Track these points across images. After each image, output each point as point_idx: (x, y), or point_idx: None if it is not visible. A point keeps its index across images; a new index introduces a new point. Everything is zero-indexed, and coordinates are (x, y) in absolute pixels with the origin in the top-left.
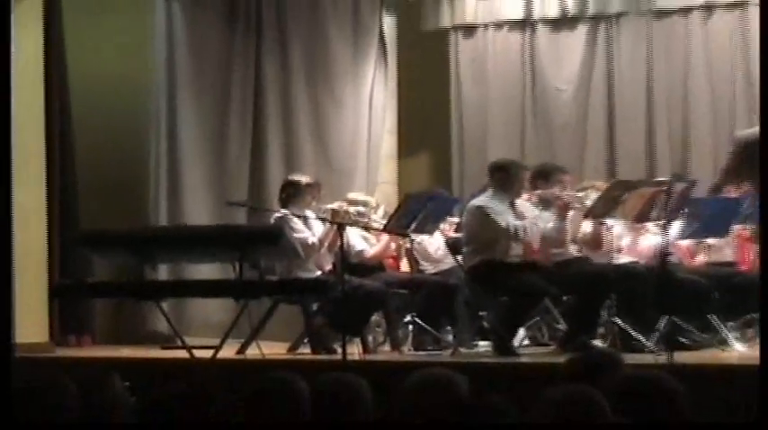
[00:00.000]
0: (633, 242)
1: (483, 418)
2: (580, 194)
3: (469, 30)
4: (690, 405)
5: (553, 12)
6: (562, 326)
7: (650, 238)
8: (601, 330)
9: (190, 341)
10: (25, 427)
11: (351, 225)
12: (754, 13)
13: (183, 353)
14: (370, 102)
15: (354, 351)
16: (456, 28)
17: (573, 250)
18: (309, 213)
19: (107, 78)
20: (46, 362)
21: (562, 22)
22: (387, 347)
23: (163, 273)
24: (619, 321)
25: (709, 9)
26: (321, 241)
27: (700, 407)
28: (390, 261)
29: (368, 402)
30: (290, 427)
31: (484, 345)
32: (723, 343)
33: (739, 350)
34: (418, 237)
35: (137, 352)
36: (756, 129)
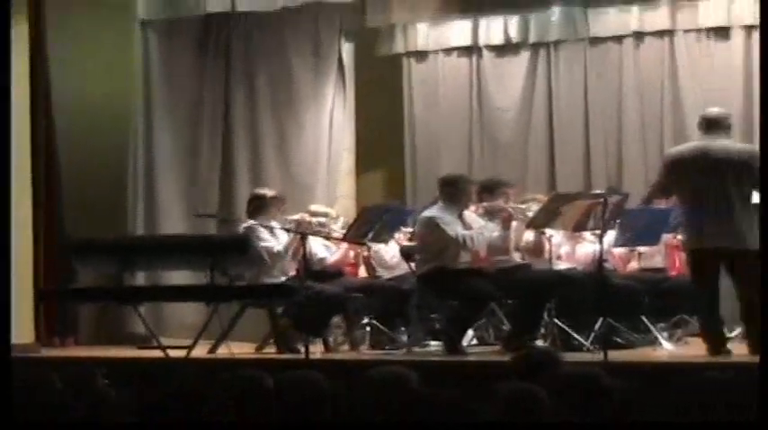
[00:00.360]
0: (571, 250)
1: (433, 411)
2: (523, 206)
3: (421, 55)
4: (624, 400)
5: (498, 39)
6: (507, 327)
7: (587, 246)
8: (542, 331)
9: (165, 341)
10: (21, 425)
11: (313, 235)
12: (680, 40)
13: (159, 353)
14: (329, 122)
15: (317, 350)
16: (409, 54)
17: (516, 257)
18: (275, 224)
19: (89, 98)
20: (33, 362)
21: (506, 49)
22: (346, 347)
23: (140, 279)
24: (559, 322)
25: (639, 37)
26: (286, 249)
27: (633, 403)
28: (349, 268)
29: (329, 397)
30: (266, 427)
31: (435, 345)
32: (654, 342)
33: (668, 349)
34: (375, 246)
35: (116, 352)
36: (682, 147)
